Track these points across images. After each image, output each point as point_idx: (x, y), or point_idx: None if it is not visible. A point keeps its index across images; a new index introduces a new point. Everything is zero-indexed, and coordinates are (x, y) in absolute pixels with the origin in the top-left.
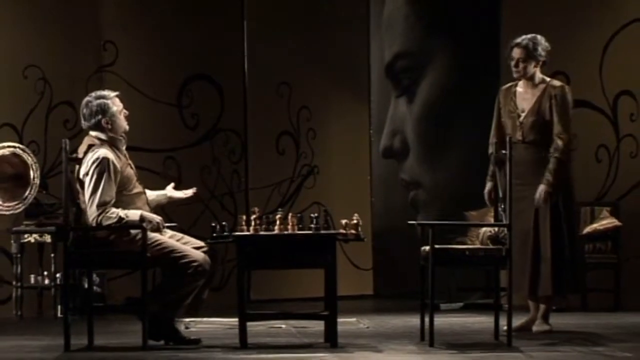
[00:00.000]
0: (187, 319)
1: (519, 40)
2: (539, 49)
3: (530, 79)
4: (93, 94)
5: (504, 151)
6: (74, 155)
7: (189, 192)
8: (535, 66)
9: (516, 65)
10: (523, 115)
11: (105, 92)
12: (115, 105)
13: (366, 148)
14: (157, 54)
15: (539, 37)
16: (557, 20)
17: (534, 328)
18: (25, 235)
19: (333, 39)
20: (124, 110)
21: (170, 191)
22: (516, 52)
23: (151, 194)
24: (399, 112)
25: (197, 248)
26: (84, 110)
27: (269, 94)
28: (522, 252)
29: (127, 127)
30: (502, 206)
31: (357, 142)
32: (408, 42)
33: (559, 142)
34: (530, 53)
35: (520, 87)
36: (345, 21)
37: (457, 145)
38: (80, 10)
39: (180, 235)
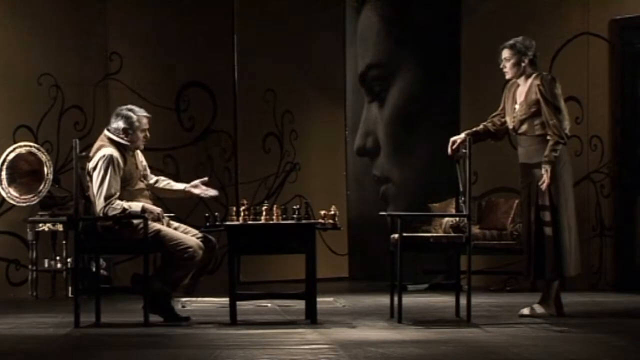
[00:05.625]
0: (184, 299)
1: (505, 43)
2: (522, 47)
3: (523, 75)
4: (127, 106)
5: (464, 150)
6: (84, 153)
7: (209, 193)
8: (524, 64)
9: (503, 66)
10: (517, 108)
11: (137, 109)
12: (140, 122)
13: (342, 147)
14: (157, 63)
15: (522, 37)
16: (510, 34)
17: (520, 310)
18: (40, 224)
19: (313, 51)
20: (147, 133)
21: (190, 186)
22: (502, 54)
23: (171, 186)
24: (371, 116)
25: (194, 236)
26: (112, 116)
27: (256, 100)
28: (528, 239)
29: (141, 146)
30: (462, 198)
31: (334, 142)
32: (379, 54)
33: (551, 131)
34: (514, 52)
35: (521, 82)
36: (323, 35)
37: (422, 145)
38: (90, 25)
39: (177, 224)
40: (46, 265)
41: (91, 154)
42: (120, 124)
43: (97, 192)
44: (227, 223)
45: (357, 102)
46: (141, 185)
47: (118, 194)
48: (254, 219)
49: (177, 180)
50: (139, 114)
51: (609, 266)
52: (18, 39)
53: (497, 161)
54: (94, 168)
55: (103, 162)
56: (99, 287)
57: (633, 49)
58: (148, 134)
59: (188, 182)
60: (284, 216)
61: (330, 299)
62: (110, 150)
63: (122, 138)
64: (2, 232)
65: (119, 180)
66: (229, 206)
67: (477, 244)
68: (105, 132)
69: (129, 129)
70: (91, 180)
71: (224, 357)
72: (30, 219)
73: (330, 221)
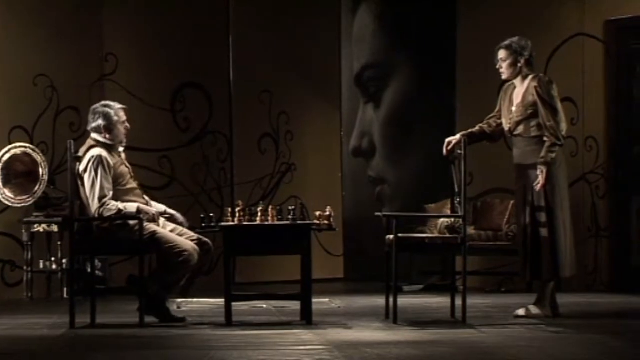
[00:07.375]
0: (180, 300)
1: (501, 44)
2: (518, 47)
3: (519, 75)
4: (102, 102)
5: (459, 150)
6: (79, 154)
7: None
8: (520, 64)
9: (500, 67)
10: (514, 109)
11: (112, 103)
12: (118, 116)
13: (337, 148)
14: (153, 64)
15: (518, 37)
16: (505, 35)
17: (516, 311)
18: (35, 225)
19: (309, 51)
20: (126, 124)
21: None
22: (498, 54)
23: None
24: (367, 117)
25: (189, 238)
26: (90, 115)
27: (252, 101)
28: (524, 240)
29: (124, 140)
30: (458, 199)
31: (329, 142)
32: (375, 55)
33: (548, 133)
34: (511, 53)
35: (517, 84)
36: (319, 36)
37: (417, 146)
38: (85, 26)
39: (173, 226)
40: (41, 266)
41: (80, 155)
42: (100, 122)
43: (90, 194)
44: (223, 224)
45: (352, 103)
46: (133, 184)
47: (111, 193)
48: (249, 220)
49: (174, 180)
50: (115, 107)
51: (604, 267)
52: (13, 40)
53: (493, 162)
54: (85, 170)
55: (93, 163)
56: (94, 288)
57: (628, 49)
58: (128, 125)
59: (185, 182)
60: (280, 217)
61: (326, 299)
62: (99, 151)
63: (105, 137)
64: None
65: (111, 180)
66: (224, 207)
67: (472, 245)
68: (91, 135)
69: (109, 125)
70: (82, 183)
71: (219, 358)
72: (26, 220)
73: (326, 222)
